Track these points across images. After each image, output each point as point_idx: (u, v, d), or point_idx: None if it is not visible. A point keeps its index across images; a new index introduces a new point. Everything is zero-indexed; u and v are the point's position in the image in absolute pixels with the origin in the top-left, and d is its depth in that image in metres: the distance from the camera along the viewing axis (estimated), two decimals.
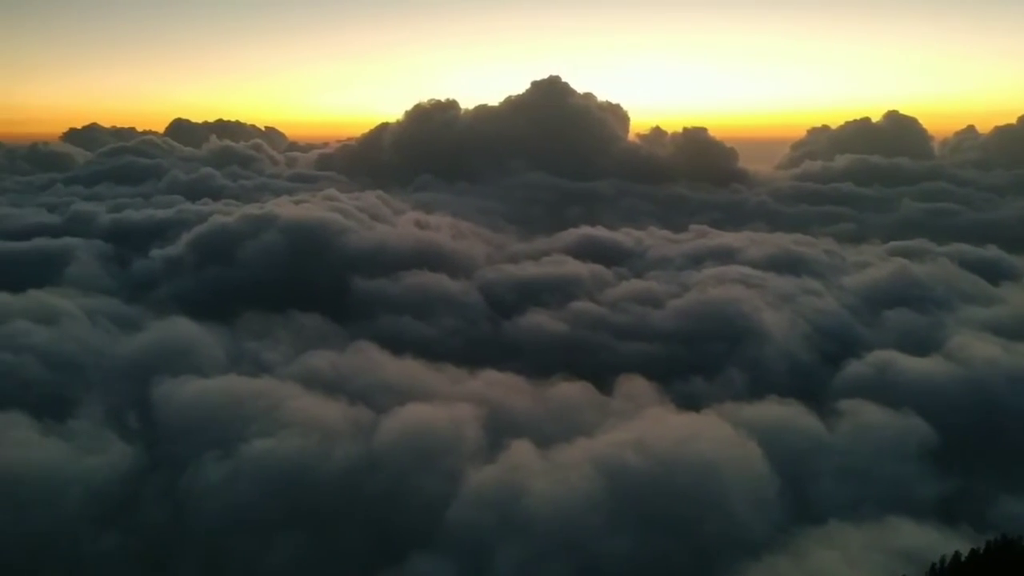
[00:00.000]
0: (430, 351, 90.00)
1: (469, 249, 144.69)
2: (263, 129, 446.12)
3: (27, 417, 65.51)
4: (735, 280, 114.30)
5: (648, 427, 62.06)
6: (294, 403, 68.29)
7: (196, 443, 62.53)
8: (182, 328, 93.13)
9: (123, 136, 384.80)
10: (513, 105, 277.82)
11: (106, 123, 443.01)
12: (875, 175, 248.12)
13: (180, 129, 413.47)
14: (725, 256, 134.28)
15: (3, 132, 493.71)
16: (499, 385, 77.75)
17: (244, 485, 56.68)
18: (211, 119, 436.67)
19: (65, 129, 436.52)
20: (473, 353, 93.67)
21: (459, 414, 65.33)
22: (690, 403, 73.84)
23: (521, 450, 58.38)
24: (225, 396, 71.33)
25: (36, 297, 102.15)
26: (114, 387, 77.17)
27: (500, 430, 63.03)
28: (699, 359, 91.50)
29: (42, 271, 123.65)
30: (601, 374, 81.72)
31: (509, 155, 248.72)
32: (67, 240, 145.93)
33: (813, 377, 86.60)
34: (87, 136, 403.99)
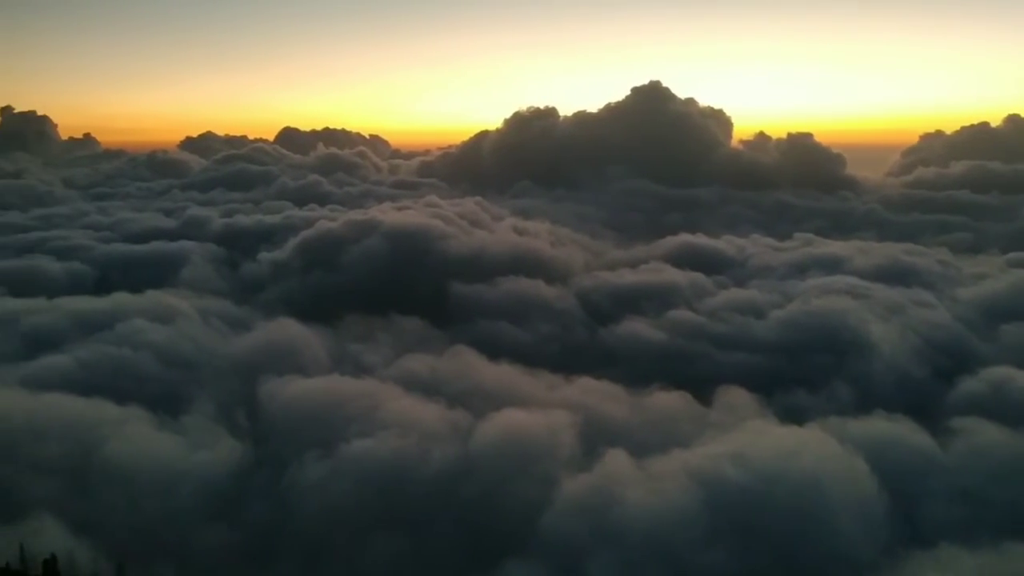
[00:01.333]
0: (526, 357, 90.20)
1: (567, 255, 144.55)
2: (368, 137, 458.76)
3: (144, 411, 68.79)
4: (841, 291, 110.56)
5: (748, 440, 60.38)
6: (393, 405, 69.48)
7: (299, 442, 64.37)
8: (288, 329, 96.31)
9: (236, 144, 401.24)
10: (613, 111, 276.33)
11: (220, 131, 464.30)
12: (994, 182, 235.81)
13: (289, 137, 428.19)
14: (831, 265, 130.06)
15: (125, 140, 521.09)
16: (595, 393, 77.27)
17: (343, 485, 57.95)
18: (319, 127, 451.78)
19: (182, 137, 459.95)
20: (569, 360, 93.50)
21: (554, 421, 65.12)
22: (793, 416, 71.65)
23: (616, 459, 57.76)
24: (327, 396, 73.27)
25: (153, 297, 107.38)
26: (224, 385, 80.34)
27: (595, 438, 62.56)
28: (802, 371, 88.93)
29: (159, 273, 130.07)
30: (699, 384, 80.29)
31: (608, 161, 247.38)
32: (182, 243, 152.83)
33: (924, 393, 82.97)
34: (202, 144, 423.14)
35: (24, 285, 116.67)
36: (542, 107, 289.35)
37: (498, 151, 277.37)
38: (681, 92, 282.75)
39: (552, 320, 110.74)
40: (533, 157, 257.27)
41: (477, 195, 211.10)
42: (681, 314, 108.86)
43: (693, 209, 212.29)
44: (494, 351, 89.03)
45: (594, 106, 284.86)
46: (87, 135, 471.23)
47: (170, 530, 54.62)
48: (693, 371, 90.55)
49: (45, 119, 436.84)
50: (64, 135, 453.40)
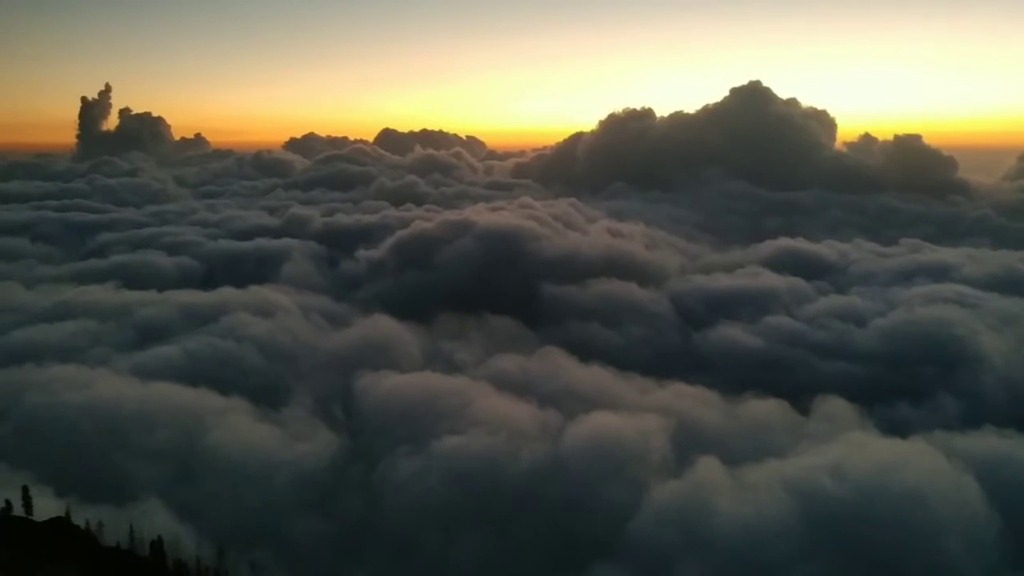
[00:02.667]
0: (618, 359, 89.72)
1: (661, 258, 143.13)
2: (464, 138, 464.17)
3: (246, 402, 71.51)
4: (950, 299, 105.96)
5: (847, 452, 58.32)
6: (484, 403, 70.14)
7: (391, 436, 65.65)
8: (383, 326, 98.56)
9: (337, 144, 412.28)
10: (711, 113, 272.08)
11: (322, 132, 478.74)
12: None
13: (388, 138, 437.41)
14: (939, 273, 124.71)
15: (233, 141, 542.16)
16: (688, 398, 76.20)
17: (433, 481, 58.77)
18: (417, 128, 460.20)
19: (287, 138, 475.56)
20: (661, 364, 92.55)
21: (646, 425, 64.50)
22: (894, 429, 68.93)
23: (708, 467, 56.77)
24: (420, 392, 74.57)
25: (257, 292, 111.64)
26: (322, 378, 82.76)
27: (687, 444, 61.69)
28: (906, 382, 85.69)
29: (262, 269, 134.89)
30: (797, 393, 78.17)
31: (705, 163, 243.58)
32: (285, 241, 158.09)
33: None
34: (305, 145, 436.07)
35: (138, 278, 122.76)
36: (638, 108, 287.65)
37: (593, 152, 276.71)
38: (782, 92, 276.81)
39: (645, 323, 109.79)
40: (628, 159, 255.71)
41: (571, 196, 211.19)
42: (779, 320, 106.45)
43: (793, 212, 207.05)
44: (585, 353, 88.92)
45: (691, 107, 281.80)
46: (198, 135, 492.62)
47: (268, 518, 56.45)
48: (790, 379, 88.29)
49: (160, 120, 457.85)
50: (177, 135, 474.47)
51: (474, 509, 56.17)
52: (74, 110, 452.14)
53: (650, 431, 63.50)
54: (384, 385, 76.03)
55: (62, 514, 29.84)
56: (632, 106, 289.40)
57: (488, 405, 69.47)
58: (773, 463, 57.50)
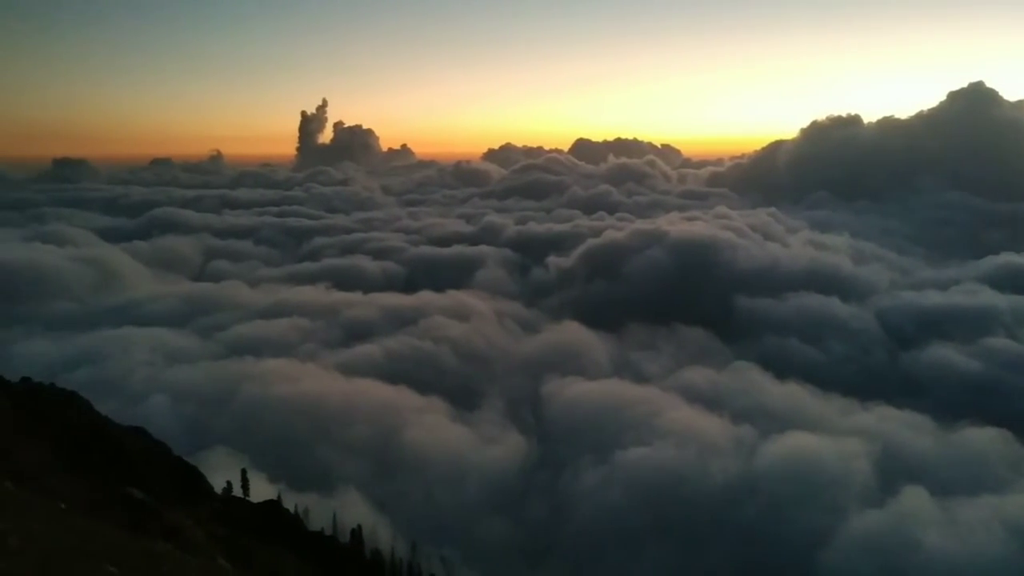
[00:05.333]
0: (817, 377, 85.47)
1: (867, 272, 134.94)
2: (659, 146, 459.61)
3: (441, 402, 74.39)
4: None
5: None
6: (673, 414, 69.00)
7: (578, 444, 65.96)
8: (573, 333, 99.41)
9: (532, 154, 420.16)
10: (926, 118, 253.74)
11: (519, 143, 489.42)
12: None
13: (582, 147, 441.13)
14: None
15: (436, 152, 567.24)
16: (894, 422, 71.31)
17: (619, 491, 58.43)
18: (611, 138, 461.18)
19: (485, 149, 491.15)
20: (865, 384, 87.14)
21: (846, 448, 61.05)
22: None
23: (915, 497, 52.90)
24: (607, 400, 74.51)
25: (454, 296, 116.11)
26: (513, 382, 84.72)
27: (892, 472, 57.76)
28: None
29: (459, 274, 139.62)
30: (1019, 422, 71.04)
31: (919, 172, 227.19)
32: (480, 248, 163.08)
33: None
34: (502, 155, 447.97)
35: (346, 281, 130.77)
36: (844, 115, 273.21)
37: (794, 161, 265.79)
38: (1009, 95, 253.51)
39: (848, 340, 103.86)
40: (832, 167, 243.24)
41: (770, 206, 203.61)
42: (999, 342, 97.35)
43: (1019, 225, 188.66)
44: (781, 369, 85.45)
45: (904, 112, 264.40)
46: (404, 146, 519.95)
47: (458, 517, 58.23)
48: (1011, 407, 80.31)
49: (369, 132, 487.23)
50: (385, 147, 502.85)
51: (659, 523, 55.32)
52: (295, 123, 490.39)
53: (851, 455, 60.09)
54: (572, 391, 76.64)
55: (274, 498, 32.12)
56: (837, 112, 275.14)
57: (677, 417, 68.27)
58: (989, 498, 52.83)
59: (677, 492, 57.51)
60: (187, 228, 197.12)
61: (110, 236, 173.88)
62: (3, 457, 18.30)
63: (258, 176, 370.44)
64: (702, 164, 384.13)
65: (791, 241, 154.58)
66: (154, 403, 68.20)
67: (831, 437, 63.59)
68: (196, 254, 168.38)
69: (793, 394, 78.87)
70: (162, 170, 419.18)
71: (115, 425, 28.77)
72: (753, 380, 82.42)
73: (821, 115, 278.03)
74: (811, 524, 52.25)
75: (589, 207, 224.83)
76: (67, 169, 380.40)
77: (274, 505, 30.82)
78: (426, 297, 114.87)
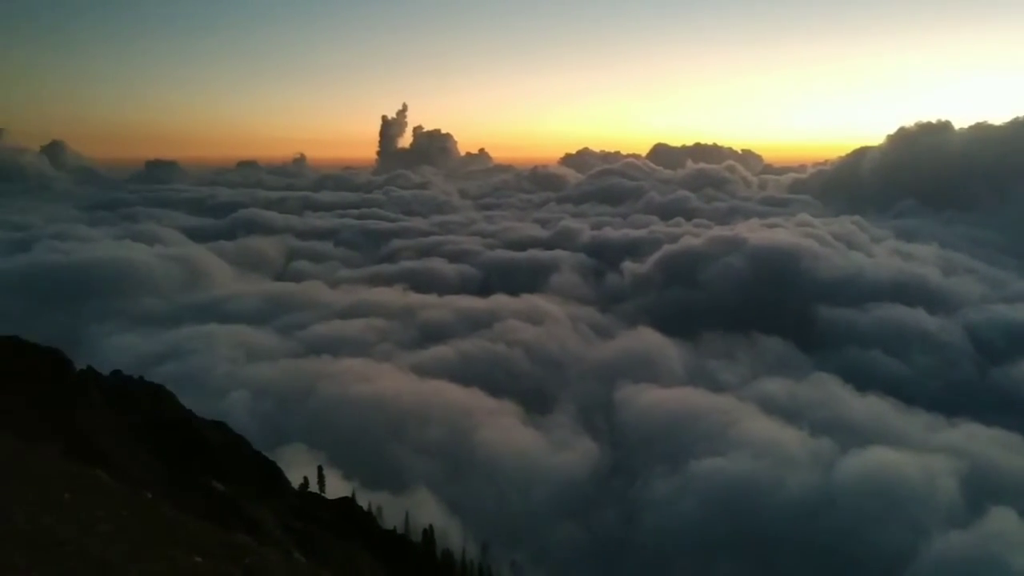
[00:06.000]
0: (900, 391, 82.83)
1: (956, 284, 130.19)
2: (739, 152, 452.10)
3: (514, 405, 74.59)
4: None
5: None
6: (748, 424, 67.75)
7: (651, 451, 65.33)
8: (647, 339, 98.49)
9: (610, 159, 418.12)
10: (1021, 124, 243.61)
11: (596, 148, 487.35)
12: None
13: (660, 153, 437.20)
14: None
15: (513, 156, 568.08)
16: (982, 439, 68.48)
17: (692, 501, 57.62)
18: (689, 143, 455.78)
19: (562, 153, 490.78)
20: (952, 399, 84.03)
21: (931, 465, 58.94)
22: None
23: (1003, 518, 50.74)
24: (681, 408, 73.59)
25: (528, 300, 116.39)
26: (586, 388, 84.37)
27: (980, 491, 55.50)
28: None
29: (533, 278, 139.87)
30: None
31: (1013, 180, 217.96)
32: (555, 252, 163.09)
33: None
34: (579, 160, 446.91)
35: (422, 283, 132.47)
36: (933, 121, 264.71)
37: (880, 168, 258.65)
38: None
39: (934, 353, 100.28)
40: (920, 175, 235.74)
41: (854, 214, 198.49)
42: None
43: None
44: (863, 381, 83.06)
45: (998, 118, 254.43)
46: (482, 150, 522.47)
47: (529, 521, 58.27)
48: None
49: (448, 136, 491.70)
50: (462, 151, 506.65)
51: (732, 536, 54.32)
52: (376, 128, 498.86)
53: (936, 472, 57.99)
54: (646, 398, 75.96)
55: (349, 495, 32.69)
56: (926, 118, 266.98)
57: (753, 427, 67.02)
58: None
59: (752, 505, 56.41)
60: (271, 229, 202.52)
61: (197, 236, 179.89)
62: (95, 447, 19.07)
63: (339, 179, 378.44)
64: (784, 170, 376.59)
65: (876, 250, 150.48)
66: (235, 398, 70.20)
67: (915, 453, 61.51)
68: (279, 254, 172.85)
69: (875, 408, 76.61)
70: (248, 172, 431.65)
71: (198, 418, 29.68)
72: (833, 392, 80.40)
73: (909, 121, 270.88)
74: (892, 543, 50.65)
75: (666, 213, 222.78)
76: (159, 170, 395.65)
77: (348, 502, 31.35)
78: (500, 300, 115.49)
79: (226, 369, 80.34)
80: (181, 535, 7.70)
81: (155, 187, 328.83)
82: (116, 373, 30.32)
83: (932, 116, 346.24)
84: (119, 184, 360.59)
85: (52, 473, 8.23)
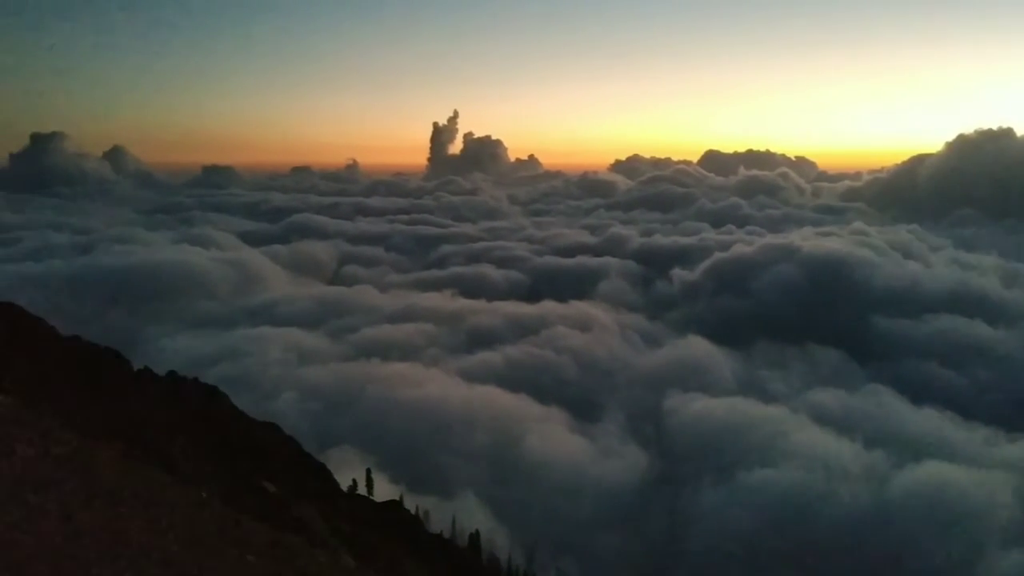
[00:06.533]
0: (958, 405, 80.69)
1: (1017, 295, 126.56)
2: (793, 159, 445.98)
3: (561, 412, 74.44)
4: None
5: None
6: (800, 436, 66.71)
7: (699, 462, 64.61)
8: (696, 348, 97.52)
9: (660, 166, 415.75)
10: None
11: (646, 154, 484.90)
12: None
13: (712, 159, 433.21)
14: None
15: (563, 162, 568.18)
16: None
17: (741, 513, 56.80)
18: (742, 149, 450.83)
19: (612, 160, 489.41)
20: (1013, 414, 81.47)
21: (990, 481, 57.33)
22: None
23: None
24: (731, 418, 72.71)
25: (576, 307, 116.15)
26: (634, 395, 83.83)
27: None
28: None
29: (582, 285, 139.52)
30: None
31: None
32: (604, 259, 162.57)
33: None
34: (629, 166, 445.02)
35: (471, 288, 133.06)
36: (995, 128, 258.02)
37: (938, 176, 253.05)
38: None
39: (994, 367, 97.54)
40: (980, 183, 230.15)
41: (911, 223, 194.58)
42: None
43: None
44: (919, 394, 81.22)
45: None
46: (531, 157, 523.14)
47: (575, 529, 57.98)
48: None
49: (498, 143, 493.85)
50: (512, 157, 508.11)
51: (782, 549, 53.39)
52: (427, 134, 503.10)
53: (994, 488, 56.38)
54: (695, 407, 75.23)
55: (396, 498, 32.98)
56: (987, 125, 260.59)
57: (805, 439, 65.94)
58: None
59: (803, 517, 55.47)
60: (323, 234, 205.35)
61: (252, 240, 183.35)
62: (152, 446, 19.53)
63: (391, 185, 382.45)
64: (839, 177, 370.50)
65: (933, 260, 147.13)
66: (285, 400, 71.30)
67: (972, 468, 59.83)
68: (331, 259, 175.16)
69: (931, 421, 74.78)
70: (302, 178, 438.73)
71: (251, 419, 30.23)
72: (888, 404, 78.76)
73: (969, 128, 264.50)
74: (949, 561, 49.35)
75: (717, 220, 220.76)
76: (216, 175, 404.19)
77: (396, 505, 31.62)
78: (549, 307, 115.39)
79: (278, 371, 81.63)
80: (236, 534, 7.87)
81: (212, 192, 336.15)
82: (172, 374, 31.00)
83: (993, 122, 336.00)
84: (177, 189, 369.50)
85: (115, 471, 8.47)
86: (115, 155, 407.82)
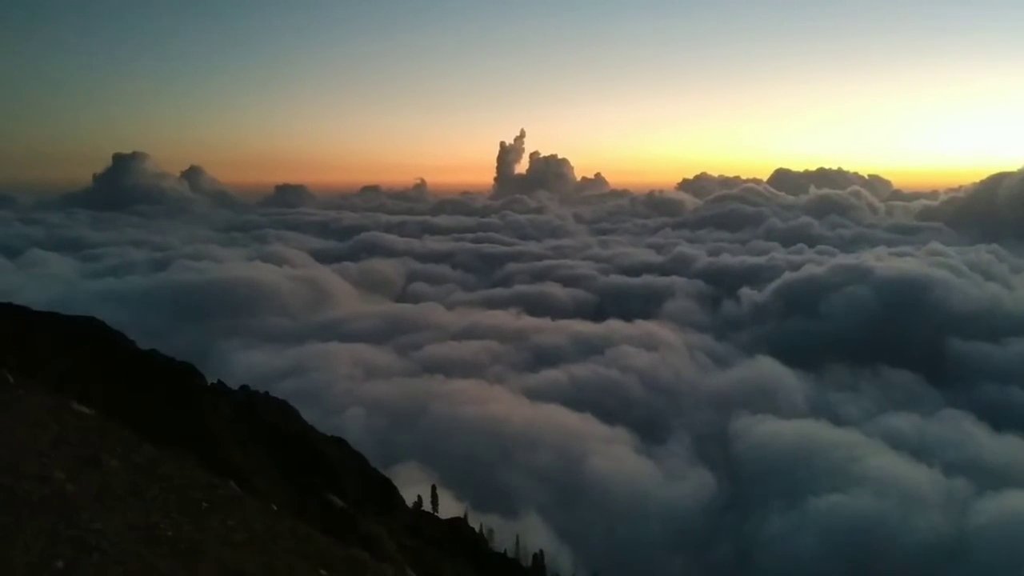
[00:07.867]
0: None
1: None
2: (866, 177, 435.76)
3: (627, 433, 73.79)
4: None
5: None
6: (873, 461, 64.86)
7: (768, 486, 63.25)
8: (766, 369, 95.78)
9: (728, 184, 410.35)
10: None
11: (714, 172, 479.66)
12: None
13: (782, 178, 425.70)
14: None
15: (629, 181, 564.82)
16: None
17: (810, 540, 55.39)
18: (812, 168, 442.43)
19: (679, 178, 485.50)
20: None
21: None
22: None
23: None
24: (801, 441, 71.10)
25: (642, 326, 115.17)
26: (701, 417, 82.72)
27: None
28: None
29: (648, 304, 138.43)
30: None
31: None
32: (671, 278, 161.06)
33: None
34: (697, 185, 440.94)
35: (536, 307, 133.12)
36: None
37: (1018, 195, 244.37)
38: None
39: None
40: None
41: (991, 243, 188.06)
42: None
43: None
44: (1000, 420, 78.26)
45: None
46: (598, 175, 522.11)
47: (640, 552, 57.32)
48: None
49: (564, 161, 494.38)
50: (578, 175, 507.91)
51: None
52: (494, 153, 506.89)
53: None
54: (764, 430, 73.84)
55: (461, 515, 33.08)
56: None
57: (878, 464, 64.09)
58: None
59: (876, 545, 53.81)
60: (391, 252, 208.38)
61: (322, 257, 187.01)
62: (224, 457, 20.02)
63: (457, 204, 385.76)
64: (914, 196, 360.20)
65: (1015, 281, 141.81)
66: (352, 414, 72.24)
67: None
68: (398, 276, 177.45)
69: (1014, 447, 71.88)
70: (371, 197, 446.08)
71: (319, 434, 30.72)
72: (967, 430, 76.01)
73: None
74: None
75: (787, 239, 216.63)
76: (288, 194, 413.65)
77: (460, 522, 31.74)
78: (614, 326, 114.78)
79: (345, 386, 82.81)
80: (307, 549, 8.02)
81: (284, 210, 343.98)
82: (243, 388, 31.76)
83: None
84: (251, 207, 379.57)
85: (189, 482, 8.72)
86: (193, 174, 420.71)
